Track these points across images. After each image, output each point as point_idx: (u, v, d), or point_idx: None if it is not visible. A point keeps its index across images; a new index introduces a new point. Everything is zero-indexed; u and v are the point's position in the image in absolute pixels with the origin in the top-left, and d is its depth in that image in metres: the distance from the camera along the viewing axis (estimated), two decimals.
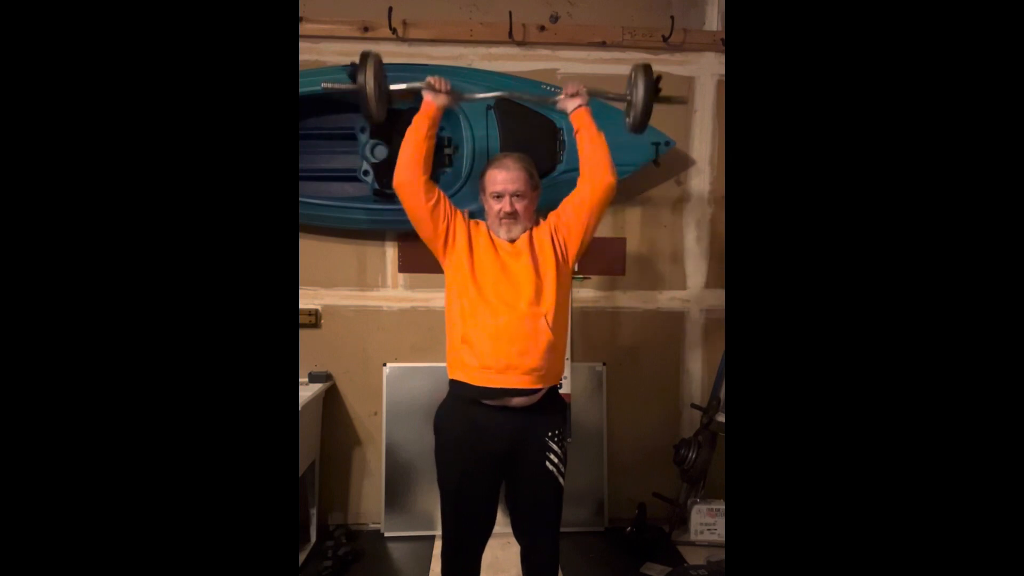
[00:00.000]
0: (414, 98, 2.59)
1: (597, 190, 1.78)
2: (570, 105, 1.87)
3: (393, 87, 1.93)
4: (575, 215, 1.81)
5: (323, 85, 1.99)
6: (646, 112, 1.96)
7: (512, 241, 1.81)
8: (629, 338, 2.88)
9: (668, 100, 2.03)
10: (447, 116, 2.56)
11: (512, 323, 1.70)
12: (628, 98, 1.99)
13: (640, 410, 2.89)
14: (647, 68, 1.94)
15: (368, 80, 1.86)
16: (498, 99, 2.48)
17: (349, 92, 1.95)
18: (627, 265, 2.83)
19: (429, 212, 1.76)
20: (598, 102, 2.62)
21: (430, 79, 1.84)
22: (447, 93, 1.85)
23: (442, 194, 1.80)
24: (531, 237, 1.82)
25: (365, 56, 1.87)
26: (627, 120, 2.02)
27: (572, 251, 1.82)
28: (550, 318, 1.73)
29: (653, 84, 1.93)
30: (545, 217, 1.89)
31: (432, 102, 1.82)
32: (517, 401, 1.72)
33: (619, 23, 2.69)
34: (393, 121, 2.28)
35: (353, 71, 1.89)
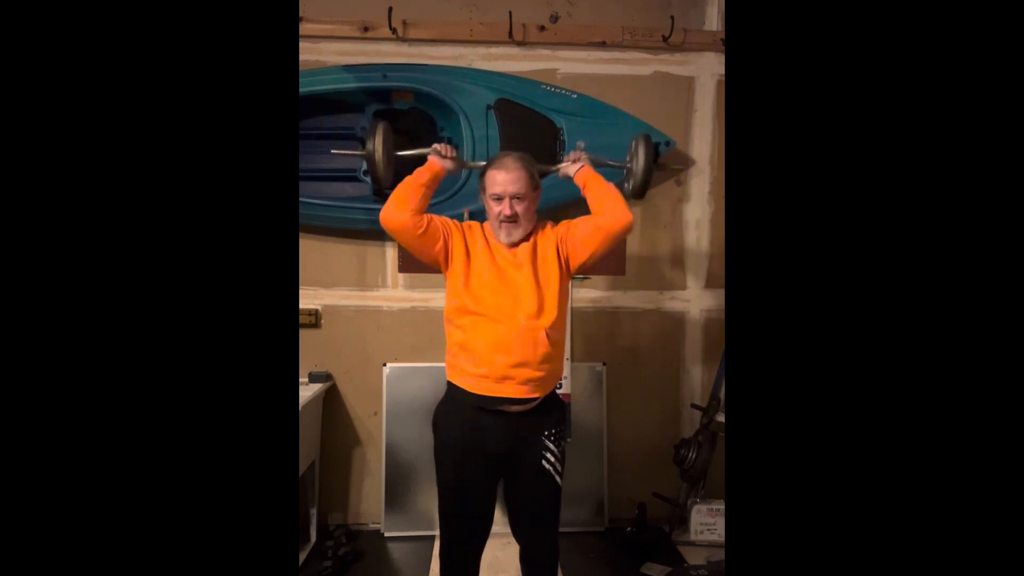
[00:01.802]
0: (414, 98, 2.62)
1: (617, 224, 1.73)
2: (572, 169, 1.88)
3: (400, 153, 1.98)
4: (587, 238, 1.76)
5: (333, 151, 2.08)
6: (646, 180, 2.02)
7: (513, 245, 1.79)
8: (629, 338, 2.88)
9: (666, 167, 2.09)
10: (447, 115, 2.57)
11: (511, 335, 1.69)
12: (628, 166, 2.04)
13: (640, 410, 2.89)
14: (647, 138, 1.99)
15: (377, 147, 1.93)
16: (498, 100, 2.50)
17: (358, 157, 2.02)
18: (627, 265, 2.83)
19: (418, 238, 1.75)
20: (596, 102, 2.65)
21: (437, 146, 1.87)
22: (452, 159, 1.86)
23: (431, 218, 1.78)
24: (534, 245, 1.80)
25: (375, 123, 1.92)
26: (627, 186, 2.08)
27: (574, 265, 1.81)
28: (550, 330, 1.72)
29: (653, 153, 1.99)
30: (551, 220, 1.87)
31: (437, 163, 1.83)
32: (514, 409, 1.72)
33: (619, 23, 2.69)
34: (393, 121, 2.30)
35: (363, 136, 1.96)
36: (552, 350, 1.73)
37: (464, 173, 2.44)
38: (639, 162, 2.00)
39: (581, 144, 2.44)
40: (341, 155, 2.25)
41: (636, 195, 2.07)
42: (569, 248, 1.79)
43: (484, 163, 1.91)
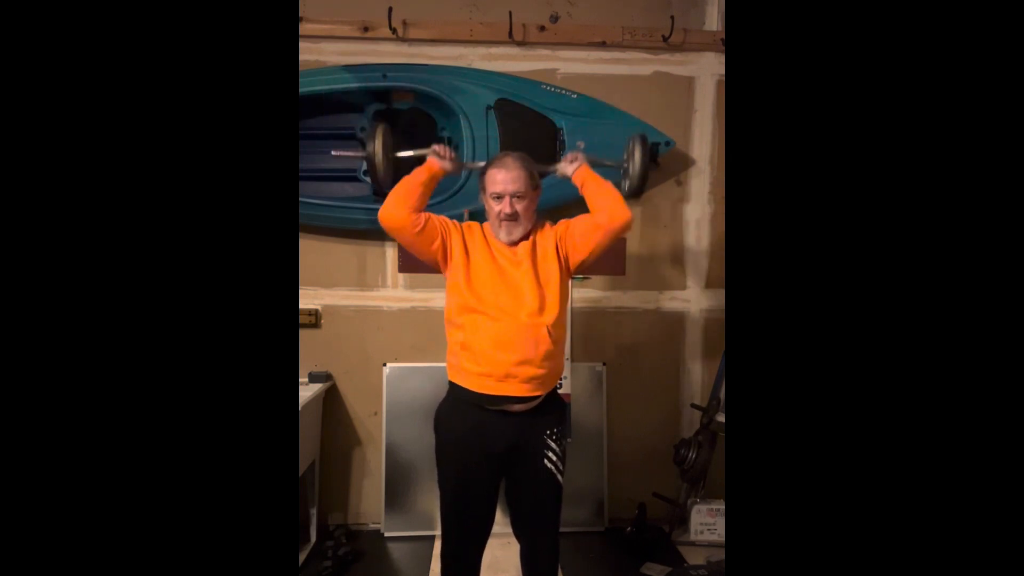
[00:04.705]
0: (414, 98, 2.63)
1: (615, 221, 1.74)
2: (570, 169, 1.87)
3: (400, 154, 2.03)
4: (586, 236, 1.77)
5: (333, 152, 2.15)
6: (642, 180, 2.06)
7: (513, 244, 1.80)
8: (629, 338, 2.88)
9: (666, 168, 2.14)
10: (447, 115, 2.57)
11: (513, 332, 1.70)
12: (624, 166, 2.08)
13: (640, 410, 2.89)
14: (643, 138, 2.02)
15: (377, 149, 1.98)
16: (498, 100, 2.50)
17: (358, 159, 2.07)
18: (627, 265, 2.83)
19: (416, 237, 1.76)
20: (596, 102, 2.65)
21: (436, 147, 1.88)
22: (451, 161, 1.87)
23: (428, 217, 1.78)
24: (533, 243, 1.80)
25: (374, 125, 1.98)
26: (623, 185, 2.12)
27: (573, 263, 1.81)
28: (552, 328, 1.73)
29: (650, 153, 2.02)
30: (551, 220, 1.87)
31: (436, 163, 1.83)
32: (516, 407, 1.73)
33: (619, 23, 2.69)
34: (393, 121, 2.31)
35: (363, 137, 2.00)
36: (554, 347, 1.73)
37: (464, 173, 2.45)
38: (635, 162, 2.03)
39: (580, 144, 2.45)
40: (341, 156, 2.26)
41: (633, 195, 2.11)
42: (568, 246, 1.80)
43: (483, 163, 1.92)
